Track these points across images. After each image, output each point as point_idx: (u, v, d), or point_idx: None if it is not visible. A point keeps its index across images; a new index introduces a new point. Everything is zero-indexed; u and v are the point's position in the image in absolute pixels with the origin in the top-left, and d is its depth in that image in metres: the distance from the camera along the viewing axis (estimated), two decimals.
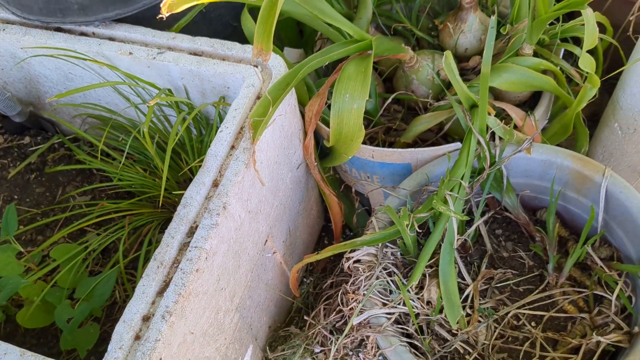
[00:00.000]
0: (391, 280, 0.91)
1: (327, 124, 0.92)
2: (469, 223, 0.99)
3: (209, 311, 0.83)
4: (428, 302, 0.91)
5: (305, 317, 1.08)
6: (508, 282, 0.95)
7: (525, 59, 0.97)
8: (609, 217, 0.92)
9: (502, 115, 0.99)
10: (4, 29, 1.04)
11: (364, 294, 0.89)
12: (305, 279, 1.21)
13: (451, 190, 0.89)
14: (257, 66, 0.93)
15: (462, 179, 0.90)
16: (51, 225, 1.17)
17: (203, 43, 0.96)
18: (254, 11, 0.80)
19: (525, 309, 0.92)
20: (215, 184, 0.83)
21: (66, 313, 0.95)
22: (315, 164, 1.03)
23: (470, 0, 1.02)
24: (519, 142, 0.94)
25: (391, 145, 1.06)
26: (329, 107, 0.90)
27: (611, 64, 1.14)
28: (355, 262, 0.93)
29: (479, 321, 0.90)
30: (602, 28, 1.01)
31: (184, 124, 0.95)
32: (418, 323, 0.90)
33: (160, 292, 0.76)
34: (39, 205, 1.19)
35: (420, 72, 1.03)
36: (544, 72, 0.98)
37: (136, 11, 0.98)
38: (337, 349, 0.96)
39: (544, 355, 0.87)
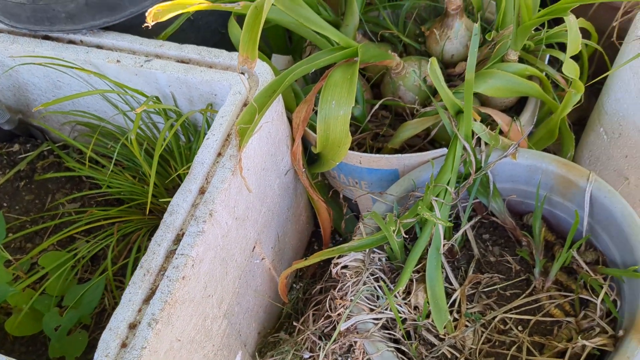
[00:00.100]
0: (378, 286, 0.91)
1: (315, 131, 0.92)
2: (456, 228, 1.00)
3: (196, 318, 0.83)
4: (415, 307, 0.91)
5: (295, 323, 1.08)
6: (495, 287, 0.96)
7: (510, 65, 0.97)
8: (594, 222, 0.93)
9: (488, 121, 1.00)
10: None
11: (351, 300, 0.89)
12: (294, 285, 1.21)
13: (437, 196, 0.90)
14: (243, 73, 0.93)
15: (448, 184, 0.91)
16: (40, 232, 1.17)
17: (190, 51, 0.97)
18: (241, 19, 0.80)
19: (512, 313, 0.92)
20: (202, 191, 0.84)
21: (54, 321, 0.95)
22: (303, 170, 1.03)
23: (456, 7, 1.03)
24: (505, 148, 0.94)
25: (379, 151, 1.06)
26: (316, 113, 0.91)
27: (597, 69, 1.15)
28: (342, 268, 0.93)
29: (466, 326, 0.91)
30: (587, 34, 1.02)
31: (171, 131, 0.95)
32: (405, 328, 0.90)
33: (147, 300, 0.76)
34: (28, 213, 1.19)
35: (407, 79, 1.04)
36: (530, 77, 0.99)
37: (123, 19, 0.98)
38: (325, 355, 0.96)
39: None
